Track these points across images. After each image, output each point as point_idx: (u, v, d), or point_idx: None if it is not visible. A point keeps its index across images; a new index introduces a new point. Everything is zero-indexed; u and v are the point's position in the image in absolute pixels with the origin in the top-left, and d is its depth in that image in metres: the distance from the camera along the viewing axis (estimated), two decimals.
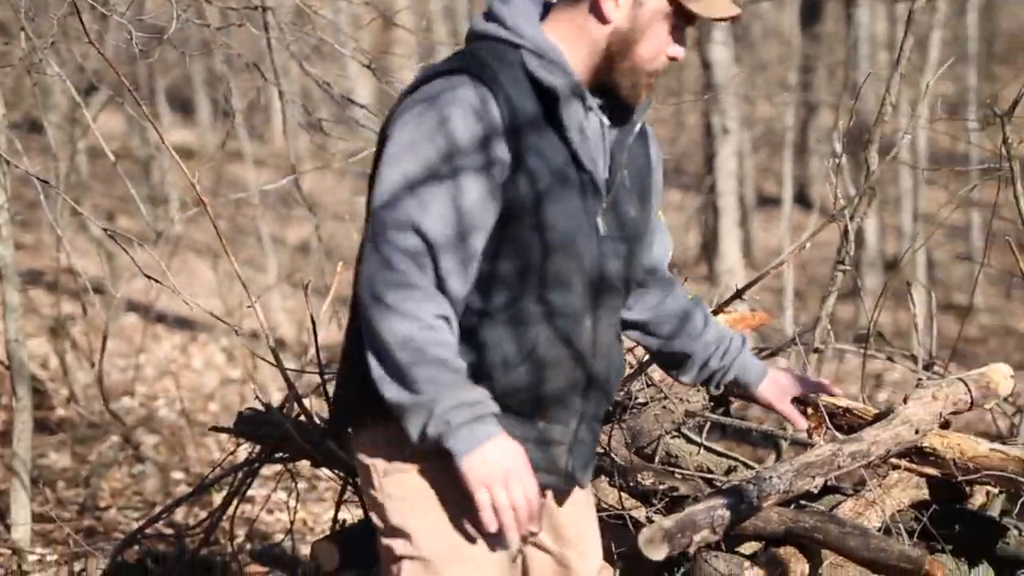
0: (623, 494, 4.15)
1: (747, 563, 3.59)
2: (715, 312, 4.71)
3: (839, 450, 4.02)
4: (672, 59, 2.94)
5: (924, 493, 4.39)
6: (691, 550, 3.54)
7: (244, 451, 5.11)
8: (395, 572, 2.88)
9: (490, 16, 2.91)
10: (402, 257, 2.68)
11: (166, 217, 11.72)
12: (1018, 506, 4.16)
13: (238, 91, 10.63)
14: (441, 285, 2.73)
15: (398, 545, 2.87)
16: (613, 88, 2.93)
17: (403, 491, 2.86)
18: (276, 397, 6.60)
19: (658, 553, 3.45)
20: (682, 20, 2.87)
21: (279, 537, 6.23)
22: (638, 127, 3.02)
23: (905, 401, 4.44)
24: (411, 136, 2.75)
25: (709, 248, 16.39)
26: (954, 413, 4.56)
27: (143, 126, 11.65)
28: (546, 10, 2.96)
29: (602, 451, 4.08)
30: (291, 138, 7.53)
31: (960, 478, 4.22)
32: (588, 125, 2.89)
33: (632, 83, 2.91)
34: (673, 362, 3.42)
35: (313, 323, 4.43)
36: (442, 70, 2.84)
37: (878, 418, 4.40)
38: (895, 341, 8.01)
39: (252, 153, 13.47)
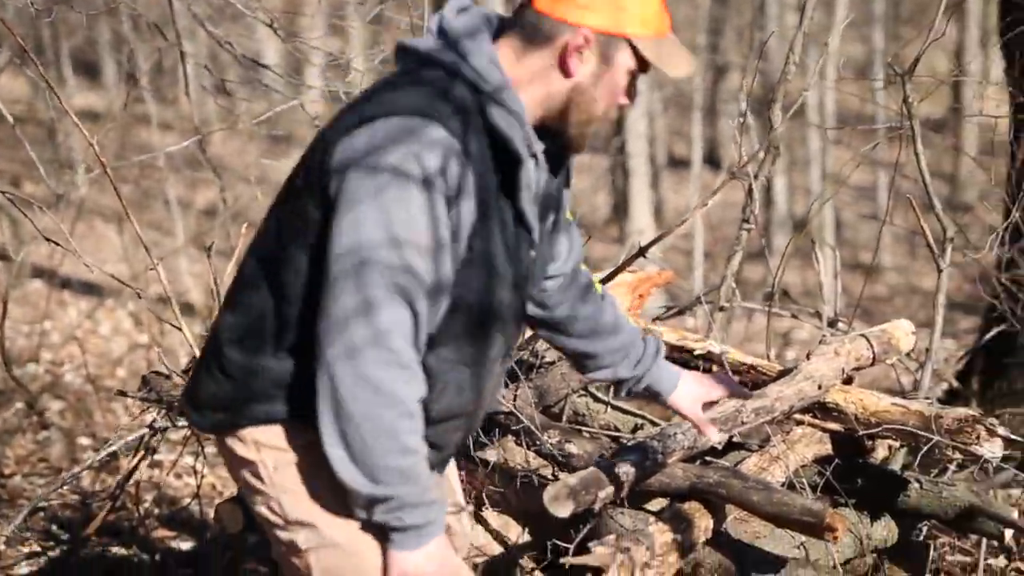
0: (530, 453, 4.16)
1: (652, 519, 3.62)
2: (619, 270, 4.74)
3: (743, 406, 4.07)
4: (622, 107, 2.88)
5: (827, 448, 4.44)
6: (596, 507, 3.56)
7: (151, 416, 5.05)
8: (304, 564, 2.80)
9: (447, 43, 2.74)
10: (396, 331, 2.56)
11: (72, 181, 11.55)
12: (918, 459, 4.21)
13: (143, 53, 10.47)
14: (418, 348, 2.64)
15: (302, 537, 2.79)
16: (559, 136, 2.84)
17: (297, 483, 2.77)
18: (185, 361, 6.54)
19: (563, 510, 3.47)
20: (639, 73, 2.80)
21: (187, 501, 6.19)
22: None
23: (808, 357, 4.49)
24: (389, 193, 2.56)
25: (619, 209, 16.49)
26: (856, 369, 4.63)
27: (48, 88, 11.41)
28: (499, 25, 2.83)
29: (508, 411, 4.09)
30: (195, 100, 7.43)
31: (862, 432, 4.28)
32: (533, 177, 2.81)
33: (581, 133, 2.83)
34: (584, 362, 3.31)
35: (216, 286, 4.39)
36: (405, 109, 2.64)
37: (782, 375, 4.45)
38: (803, 300, 8.08)
39: (158, 116, 13.29)
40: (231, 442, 2.83)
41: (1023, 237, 6.34)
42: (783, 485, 4.20)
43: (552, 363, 4.58)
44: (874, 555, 4.51)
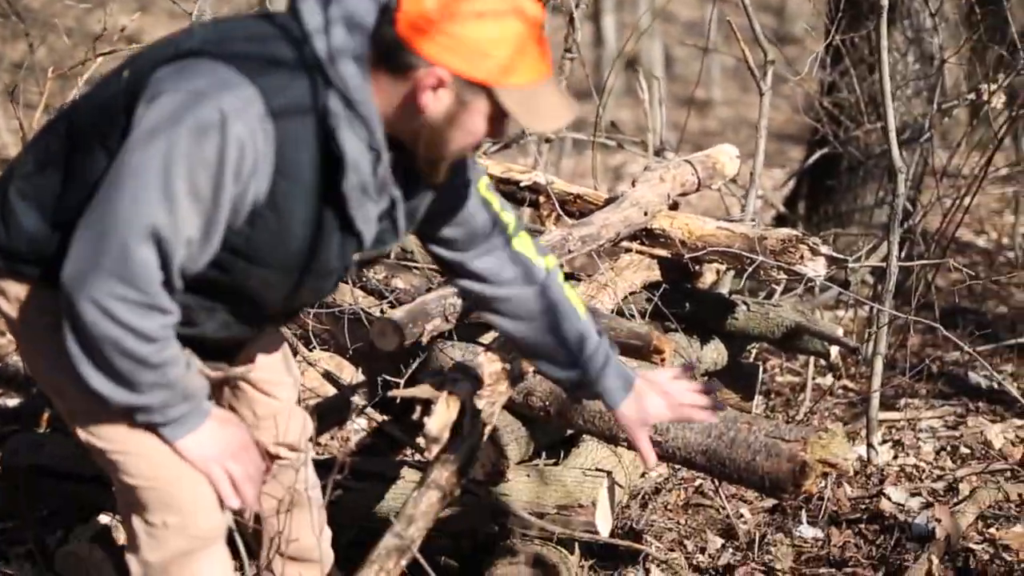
0: (357, 290, 4.10)
1: (481, 349, 3.58)
2: None
3: (569, 234, 4.04)
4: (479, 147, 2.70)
5: (656, 274, 4.45)
6: (424, 340, 3.52)
7: None
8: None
9: (325, 31, 2.50)
10: (142, 271, 2.42)
11: None
12: (744, 280, 4.24)
13: None
14: (168, 289, 2.48)
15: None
16: (412, 162, 2.63)
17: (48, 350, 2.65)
18: None
19: (390, 344, 3.42)
20: (503, 118, 2.55)
21: (13, 359, 6.02)
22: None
23: (633, 184, 4.48)
24: (167, 140, 2.38)
25: None
26: (682, 195, 4.64)
27: None
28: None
29: None
30: None
31: (688, 256, 4.29)
32: (370, 181, 2.58)
33: (432, 168, 2.63)
34: (524, 350, 3.08)
35: (23, 133, 4.23)
36: (240, 62, 2.44)
37: (608, 203, 4.43)
38: (636, 136, 8.09)
39: None
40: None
41: (843, 60, 6.38)
42: (612, 312, 4.21)
43: None
44: (705, 378, 4.56)
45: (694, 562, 3.99)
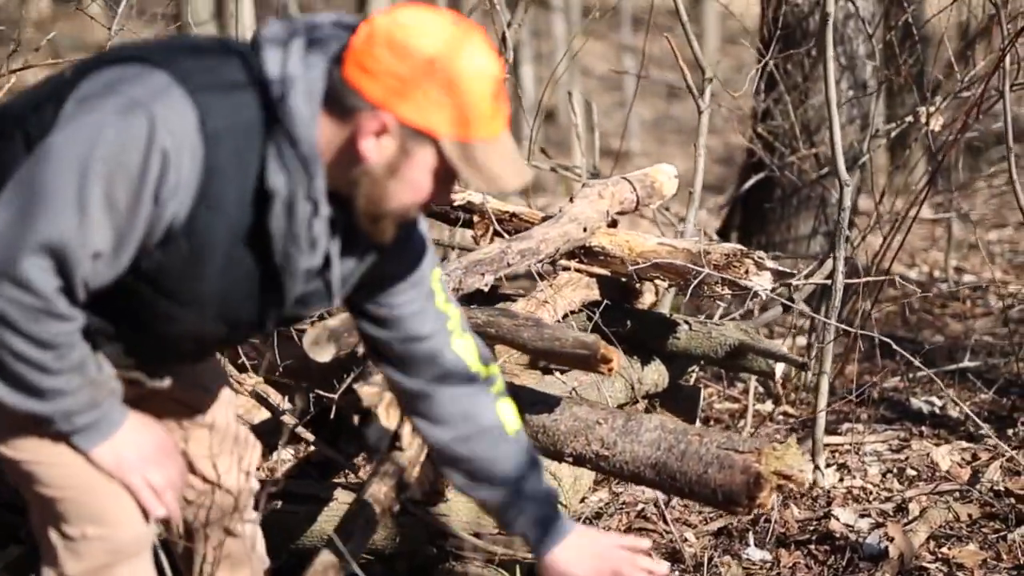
0: None
1: None
2: None
3: (508, 247, 3.91)
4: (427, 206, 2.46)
5: (595, 293, 4.34)
6: (360, 350, 3.36)
7: None
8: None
9: (269, 52, 2.33)
10: (39, 279, 2.24)
11: None
12: (688, 294, 4.12)
13: None
14: (68, 296, 2.30)
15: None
16: (353, 220, 2.42)
17: None
18: None
19: (325, 354, 3.26)
20: (450, 176, 2.37)
21: None
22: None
23: (571, 200, 4.37)
24: (88, 142, 2.22)
25: None
26: (621, 213, 4.52)
27: None
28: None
29: None
30: None
31: (632, 269, 4.17)
32: (303, 232, 2.38)
33: (374, 224, 2.41)
34: (453, 472, 2.79)
35: None
36: (181, 76, 2.28)
37: (545, 221, 4.31)
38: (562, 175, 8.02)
39: None
40: None
41: (777, 85, 6.33)
42: None
43: None
44: (646, 400, 4.44)
45: None
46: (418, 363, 2.69)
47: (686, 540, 4.11)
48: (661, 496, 4.24)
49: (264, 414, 4.03)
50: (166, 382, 2.67)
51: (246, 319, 2.51)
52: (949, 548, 3.95)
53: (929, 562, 3.86)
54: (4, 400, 2.34)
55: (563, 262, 4.29)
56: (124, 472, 2.47)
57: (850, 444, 4.85)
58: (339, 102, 2.31)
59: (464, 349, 2.71)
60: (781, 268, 4.02)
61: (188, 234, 2.31)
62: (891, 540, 3.83)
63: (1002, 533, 4.03)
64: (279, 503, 3.69)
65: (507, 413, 2.76)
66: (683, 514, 4.30)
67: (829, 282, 4.33)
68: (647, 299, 4.64)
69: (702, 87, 4.87)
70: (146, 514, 2.53)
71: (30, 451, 2.47)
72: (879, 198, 5.38)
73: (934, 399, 5.36)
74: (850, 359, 5.21)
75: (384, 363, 2.74)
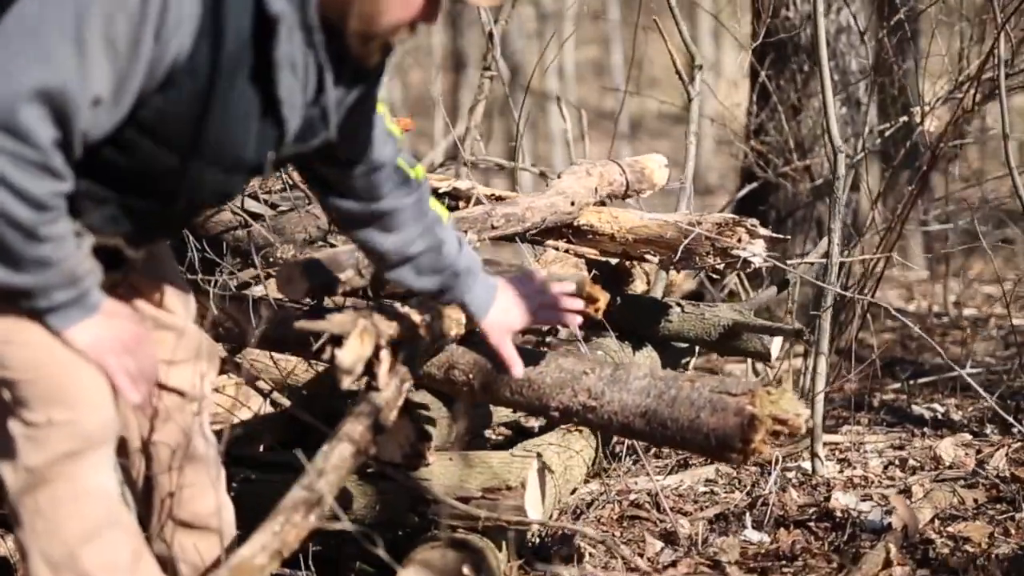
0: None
1: (400, 304, 3.26)
2: None
3: (493, 210, 3.79)
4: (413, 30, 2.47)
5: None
6: (338, 291, 3.22)
7: None
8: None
9: None
10: (36, 129, 2.15)
11: None
12: (678, 260, 3.98)
13: None
14: (65, 151, 2.22)
15: None
16: (343, 42, 2.43)
17: None
18: None
19: (297, 291, 3.12)
20: None
21: None
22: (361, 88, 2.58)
23: (559, 177, 4.25)
24: None
25: None
26: (610, 195, 4.40)
27: None
28: None
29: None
30: None
31: (620, 247, 4.04)
32: (300, 61, 2.38)
33: (364, 46, 2.43)
34: (386, 259, 2.93)
35: None
36: None
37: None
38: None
39: None
40: None
41: (770, 98, 6.25)
42: None
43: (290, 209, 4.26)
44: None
45: (632, 565, 3.65)
46: (377, 188, 2.79)
47: (681, 526, 3.94)
48: (655, 486, 4.07)
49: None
50: (141, 253, 2.57)
51: (246, 160, 2.44)
52: (955, 527, 3.78)
53: (935, 535, 3.69)
54: None
55: (551, 242, 4.16)
56: (101, 353, 2.36)
57: (850, 442, 4.69)
58: None
59: (402, 158, 2.82)
60: (775, 235, 3.88)
61: (190, 71, 2.24)
62: (894, 511, 3.66)
63: (1010, 514, 3.85)
64: (253, 474, 3.55)
65: (440, 205, 2.96)
66: (678, 503, 4.13)
67: (825, 260, 4.19)
68: (638, 287, 4.51)
69: (692, 75, 4.77)
70: (115, 401, 2.38)
71: (0, 331, 2.34)
72: (873, 201, 5.25)
73: (935, 406, 5.20)
74: (839, 376, 5.10)
75: (339, 197, 2.81)
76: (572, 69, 19.75)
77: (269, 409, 4.14)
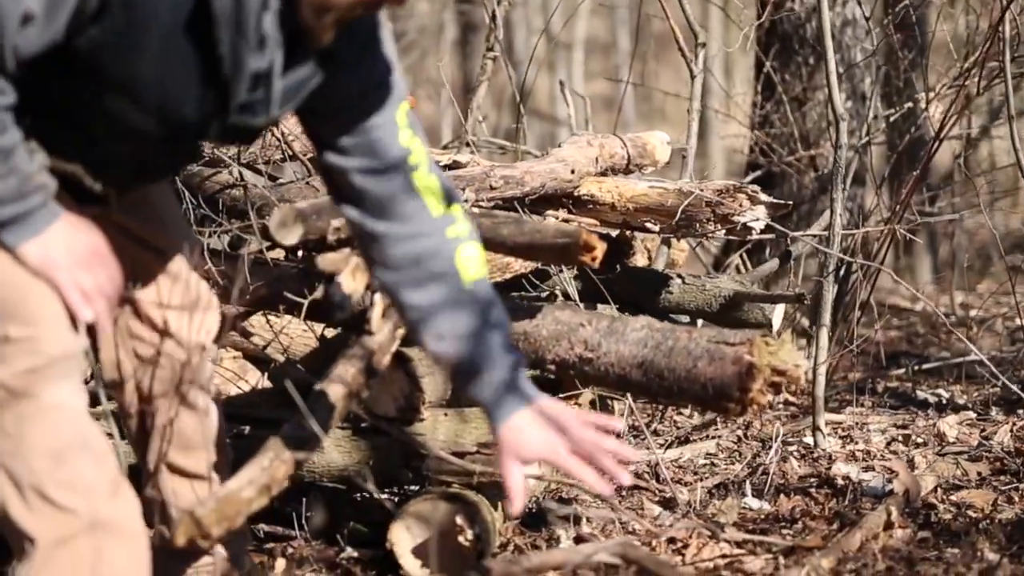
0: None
1: None
2: None
3: (491, 170, 3.76)
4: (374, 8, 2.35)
5: None
6: (331, 238, 3.18)
7: None
8: None
9: None
10: None
11: None
12: (677, 227, 3.95)
13: None
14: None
15: None
16: (296, 15, 2.30)
17: None
18: None
19: (291, 236, 3.08)
20: None
21: None
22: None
23: (559, 147, 4.23)
24: None
25: None
26: (612, 169, 4.37)
27: None
28: None
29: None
30: None
31: (621, 218, 4.01)
32: (254, 27, 2.25)
33: (318, 18, 2.30)
34: (410, 317, 2.58)
35: None
36: None
37: None
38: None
39: None
40: None
41: (775, 90, 6.23)
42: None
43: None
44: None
45: (631, 528, 3.62)
46: (372, 196, 2.52)
47: (681, 493, 3.89)
48: (653, 457, 4.04)
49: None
50: (108, 193, 2.50)
51: (188, 119, 2.35)
52: (958, 495, 3.73)
53: (938, 501, 3.65)
54: None
55: (551, 212, 4.13)
56: (51, 270, 2.28)
57: (853, 422, 4.65)
58: None
59: (428, 187, 2.53)
60: (776, 200, 3.85)
61: (125, 4, 2.17)
62: (896, 474, 3.62)
63: (1014, 485, 3.81)
64: (247, 428, 3.51)
65: (468, 259, 2.54)
66: (678, 474, 4.09)
67: (827, 233, 4.15)
68: (639, 262, 4.47)
69: (695, 51, 4.74)
70: (75, 323, 2.34)
71: None
72: (877, 186, 5.22)
73: (940, 391, 5.15)
74: (839, 365, 5.06)
75: (343, 202, 2.57)
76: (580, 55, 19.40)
77: (267, 384, 4.11)
